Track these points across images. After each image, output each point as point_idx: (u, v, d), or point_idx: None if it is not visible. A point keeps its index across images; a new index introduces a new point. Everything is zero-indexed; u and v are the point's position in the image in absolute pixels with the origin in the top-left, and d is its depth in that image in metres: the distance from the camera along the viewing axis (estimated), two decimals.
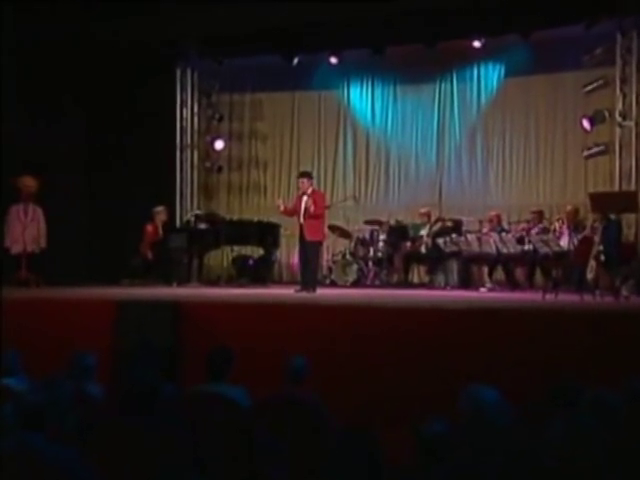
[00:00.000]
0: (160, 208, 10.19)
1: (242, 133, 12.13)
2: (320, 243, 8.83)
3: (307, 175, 8.83)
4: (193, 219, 10.56)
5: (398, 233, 10.29)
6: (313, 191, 8.72)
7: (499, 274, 9.61)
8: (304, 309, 6.37)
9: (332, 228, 10.70)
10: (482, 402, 2.79)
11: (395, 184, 11.41)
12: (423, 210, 10.26)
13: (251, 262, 10.69)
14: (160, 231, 10.18)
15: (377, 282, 10.24)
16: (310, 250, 8.49)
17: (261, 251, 10.64)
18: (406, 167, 11.33)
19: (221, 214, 10.99)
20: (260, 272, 10.51)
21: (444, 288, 9.46)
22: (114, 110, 10.61)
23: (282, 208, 8.70)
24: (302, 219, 8.50)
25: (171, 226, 10.70)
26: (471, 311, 6.02)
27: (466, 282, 9.67)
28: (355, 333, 5.89)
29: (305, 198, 8.54)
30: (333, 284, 10.28)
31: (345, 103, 11.60)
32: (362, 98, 11.55)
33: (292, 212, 8.73)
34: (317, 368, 4.66)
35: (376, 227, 10.52)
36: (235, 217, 11.03)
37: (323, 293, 8.49)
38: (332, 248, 11.00)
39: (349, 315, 6.11)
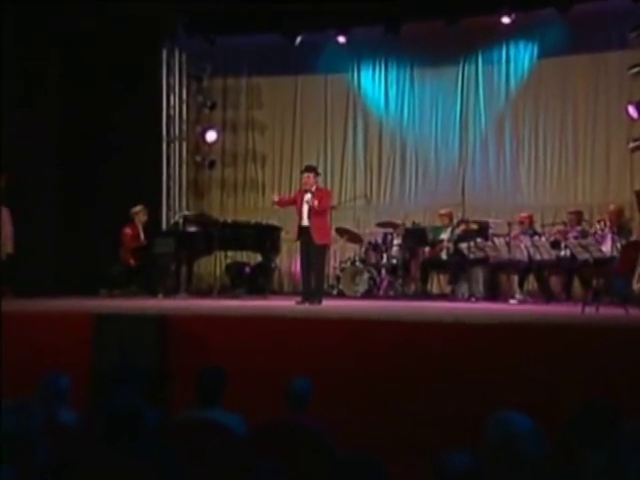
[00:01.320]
0: (138, 208, 10.21)
1: (237, 123, 12.16)
2: (327, 247, 8.85)
3: (313, 170, 8.85)
4: (181, 221, 10.59)
5: (415, 237, 10.30)
6: (318, 189, 8.74)
7: (531, 284, 9.61)
8: (308, 324, 6.37)
9: (340, 231, 10.72)
10: (513, 431, 2.77)
11: (412, 181, 11.43)
12: (444, 211, 10.27)
13: (248, 270, 10.71)
14: (141, 234, 10.21)
15: (391, 293, 10.25)
16: (316, 255, 8.49)
17: (259, 257, 10.67)
18: (424, 162, 11.34)
19: (213, 215, 11.02)
20: (258, 281, 10.53)
21: (468, 300, 9.46)
22: (90, 99, 10.63)
23: (276, 198, 8.72)
24: (306, 219, 8.51)
25: (156, 229, 10.75)
26: (499, 326, 6.01)
27: (493, 293, 9.68)
28: (366, 351, 5.89)
29: (308, 196, 8.56)
30: (341, 295, 10.30)
31: (355, 89, 11.63)
32: (374, 83, 11.58)
33: (288, 203, 8.74)
34: (323, 391, 4.66)
35: (390, 230, 10.53)
36: (229, 219, 11.05)
37: (329, 305, 8.50)
38: (340, 254, 11.02)
39: (359, 330, 6.11)
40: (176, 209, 11.77)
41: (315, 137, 11.79)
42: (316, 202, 8.38)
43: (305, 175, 8.69)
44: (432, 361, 5.69)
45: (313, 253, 8.48)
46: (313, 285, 8.54)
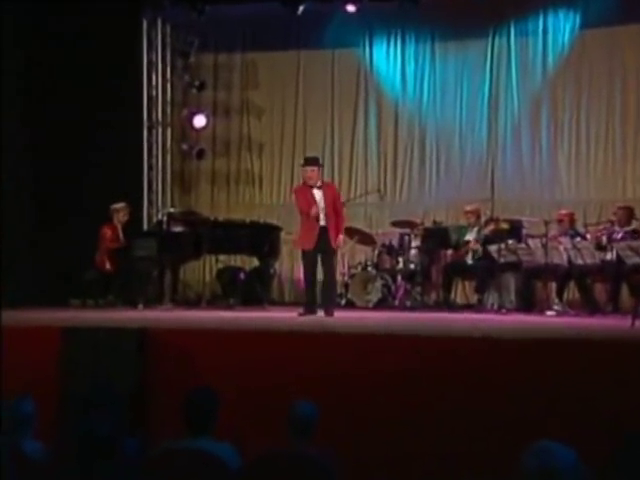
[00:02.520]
0: (120, 205, 10.24)
1: (230, 106, 12.18)
2: (336, 250, 8.89)
3: (316, 162, 8.88)
4: (165, 219, 10.59)
5: (436, 238, 10.29)
6: (324, 183, 8.75)
7: (572, 293, 9.60)
8: (312, 339, 6.37)
9: (349, 232, 10.70)
10: (553, 464, 2.76)
11: (432, 173, 11.43)
12: (470, 207, 10.25)
13: (242, 276, 10.71)
14: (121, 235, 10.24)
15: (408, 303, 10.23)
16: (331, 259, 8.61)
17: (255, 262, 10.68)
18: (447, 150, 11.34)
19: (202, 213, 11.02)
20: (254, 289, 10.53)
21: (498, 311, 9.45)
22: (61, 78, 10.65)
23: (314, 211, 8.58)
24: (323, 218, 8.55)
25: (136, 229, 10.75)
26: (534, 343, 6.00)
27: (527, 303, 9.66)
28: (379, 371, 5.88)
29: (317, 192, 8.61)
30: (350, 305, 10.31)
31: (367, 66, 11.64)
32: (389, 59, 11.59)
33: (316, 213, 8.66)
34: (330, 417, 4.66)
35: (407, 230, 10.53)
36: (221, 217, 11.05)
37: (337, 317, 8.53)
38: (349, 258, 11.03)
39: (371, 347, 6.11)
40: (159, 206, 11.79)
41: (320, 122, 11.80)
42: (337, 201, 8.58)
43: (309, 170, 8.72)
44: (456, 383, 5.68)
45: (328, 257, 8.57)
46: (324, 294, 8.61)
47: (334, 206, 8.62)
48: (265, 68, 11.97)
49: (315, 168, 8.68)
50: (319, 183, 8.65)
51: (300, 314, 8.51)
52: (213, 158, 12.13)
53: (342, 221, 8.78)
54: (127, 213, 10.26)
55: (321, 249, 8.61)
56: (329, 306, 8.51)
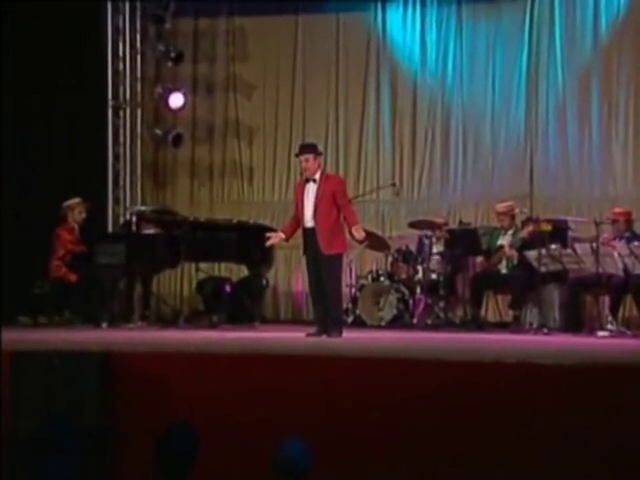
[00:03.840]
0: (74, 201, 10.19)
1: (213, 82, 12.19)
2: (340, 257, 8.82)
3: (311, 150, 8.82)
4: (135, 220, 10.60)
5: (463, 242, 10.30)
6: (326, 176, 8.75)
7: (628, 309, 9.62)
8: (311, 364, 6.37)
9: None
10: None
11: (458, 163, 11.44)
12: (504, 205, 10.24)
13: (228, 289, 10.71)
14: (78, 238, 10.20)
15: (429, 321, 10.24)
16: (327, 270, 8.55)
17: (245, 271, 10.70)
18: (476, 136, 11.34)
19: (180, 212, 11.04)
20: (243, 305, 10.53)
21: (538, 331, 9.41)
22: (7, 47, 10.62)
23: (276, 239, 8.80)
24: (310, 218, 8.57)
25: (99, 231, 10.77)
26: (583, 369, 6.00)
27: (575, 322, 9.64)
28: (392, 404, 5.89)
29: (312, 186, 8.60)
30: (359, 323, 10.32)
31: (378, 34, 11.65)
32: (406, 26, 11.60)
33: (294, 227, 8.77)
34: (329, 458, 4.66)
35: (428, 233, 10.52)
36: (203, 216, 11.08)
37: (343, 337, 8.51)
38: (358, 266, 11.04)
39: (383, 374, 6.11)
40: (127, 203, 11.80)
41: (323, 103, 11.81)
42: (332, 198, 8.47)
43: (302, 159, 8.69)
44: (487, 419, 5.69)
45: (323, 267, 8.53)
46: (327, 311, 8.60)
47: (333, 203, 8.55)
48: (256, 36, 11.98)
49: (310, 156, 8.63)
50: (317, 175, 8.63)
51: (309, 334, 8.50)
52: (193, 145, 12.14)
53: (351, 214, 8.68)
54: (84, 210, 10.19)
55: (310, 255, 8.62)
56: (329, 325, 8.50)
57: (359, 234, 8.68)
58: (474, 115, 11.32)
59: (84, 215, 10.20)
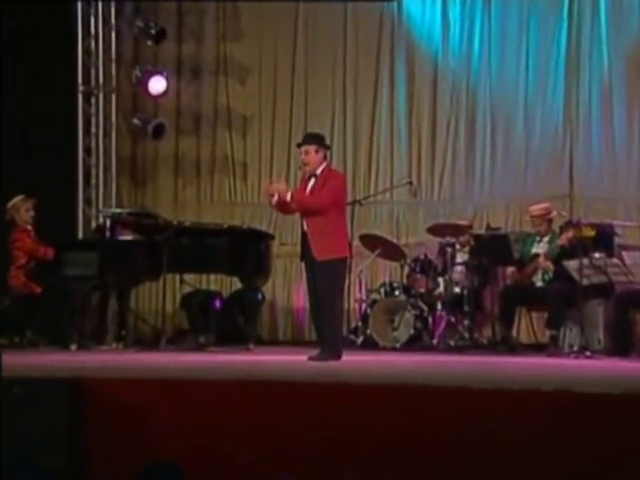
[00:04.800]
0: (18, 199, 10.14)
1: (201, 63, 12.20)
2: (339, 265, 8.74)
3: (313, 140, 8.82)
4: (109, 224, 10.61)
5: (491, 250, 10.29)
6: (328, 170, 8.74)
7: None
8: (313, 393, 6.36)
9: (367, 240, 10.74)
10: None
11: (485, 159, 11.48)
12: (539, 208, 10.26)
13: (218, 304, 10.72)
14: (37, 240, 10.14)
15: (451, 342, 10.27)
16: (320, 278, 8.57)
17: (237, 284, 10.75)
18: (507, 127, 11.38)
19: (162, 214, 11.02)
20: (235, 323, 10.54)
21: (579, 354, 9.41)
22: None
23: (275, 198, 8.73)
24: (305, 223, 8.62)
25: (67, 237, 10.78)
26: (632, 399, 5.98)
27: (622, 343, 9.63)
28: (409, 439, 5.87)
29: (312, 183, 8.61)
30: (370, 345, 10.36)
31: (393, 8, 11.70)
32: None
33: (288, 206, 8.79)
34: None
35: (450, 239, 10.53)
36: (189, 220, 11.08)
37: (350, 361, 8.51)
38: (368, 277, 11.06)
39: (398, 404, 6.08)
40: (100, 204, 11.81)
41: (328, 88, 11.84)
42: (325, 196, 8.47)
43: (302, 149, 8.70)
44: (520, 454, 5.66)
45: (317, 276, 8.58)
46: (320, 329, 8.65)
47: (323, 201, 8.57)
48: (250, 11, 12.01)
49: (311, 148, 8.65)
50: (320, 169, 8.64)
51: (312, 358, 8.50)
52: (177, 137, 12.17)
53: (312, 198, 8.59)
54: (31, 207, 10.17)
55: (307, 263, 8.69)
56: (324, 345, 8.52)
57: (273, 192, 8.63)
58: (504, 102, 11.35)
59: (32, 213, 10.18)
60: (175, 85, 12.03)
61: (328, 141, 9.41)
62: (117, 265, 10.06)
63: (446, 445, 5.83)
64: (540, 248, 10.07)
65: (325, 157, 8.76)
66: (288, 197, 8.55)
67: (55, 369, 7.43)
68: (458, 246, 10.48)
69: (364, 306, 10.70)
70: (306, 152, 8.66)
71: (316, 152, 8.66)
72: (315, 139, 8.83)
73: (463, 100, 11.48)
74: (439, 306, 10.44)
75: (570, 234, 9.84)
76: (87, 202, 11.84)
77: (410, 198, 11.32)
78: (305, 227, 8.62)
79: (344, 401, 6.21)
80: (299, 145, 8.81)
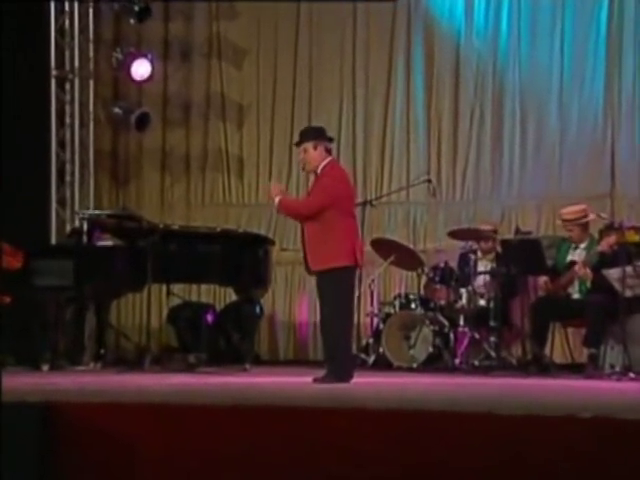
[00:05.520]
0: None
1: (191, 45, 12.20)
2: (342, 273, 8.70)
3: (309, 136, 8.80)
4: (86, 227, 10.61)
5: (521, 257, 10.25)
6: (328, 167, 8.73)
7: None
8: (318, 420, 6.35)
9: (380, 246, 10.75)
10: None
11: (514, 154, 11.49)
12: (575, 209, 10.22)
13: (210, 319, 10.72)
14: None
15: (475, 362, 10.28)
16: (318, 290, 8.67)
17: (232, 295, 10.80)
18: (538, 117, 11.38)
19: (146, 216, 11.01)
20: (229, 340, 10.55)
21: (622, 376, 9.43)
22: None
23: (275, 192, 8.77)
24: (301, 228, 8.73)
25: (38, 243, 10.83)
26: None
27: None
28: (429, 469, 5.87)
29: (311, 183, 8.80)
30: (383, 364, 10.37)
31: None
32: None
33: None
34: None
35: (473, 244, 10.54)
36: (177, 223, 11.09)
37: (361, 383, 8.52)
38: (381, 288, 11.06)
39: (416, 432, 6.08)
40: (75, 205, 11.80)
41: (335, 75, 11.85)
42: (321, 196, 8.55)
43: (300, 148, 8.75)
44: None
45: (317, 288, 8.69)
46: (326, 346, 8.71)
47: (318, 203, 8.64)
48: None
49: (308, 146, 8.68)
50: (320, 167, 8.66)
51: (316, 380, 8.51)
52: (163, 129, 12.18)
53: (298, 203, 8.86)
54: None
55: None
56: (331, 366, 8.52)
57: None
58: (536, 88, 11.37)
59: None
60: (161, 69, 12.05)
61: (335, 134, 9.49)
62: (95, 274, 10.06)
63: (468, 478, 5.82)
64: (577, 255, 10.06)
65: (328, 151, 8.76)
66: (276, 201, 8.60)
67: (25, 392, 7.41)
68: (482, 253, 10.48)
69: (376, 321, 10.70)
70: (304, 150, 8.70)
71: (314, 148, 8.68)
72: (311, 134, 8.84)
73: (489, 86, 11.47)
74: (461, 321, 10.43)
75: (611, 239, 9.83)
76: (61, 202, 11.84)
77: (428, 198, 11.32)
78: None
79: (353, 429, 6.20)
80: (297, 145, 8.84)
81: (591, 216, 10.16)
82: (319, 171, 8.66)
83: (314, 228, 8.58)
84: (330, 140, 8.96)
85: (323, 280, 8.60)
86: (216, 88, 12.14)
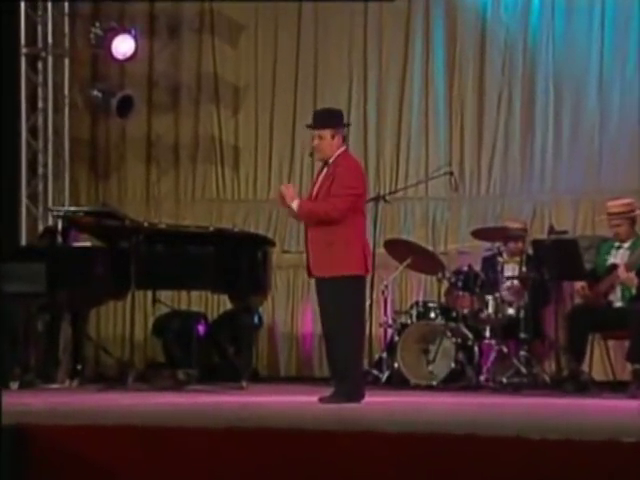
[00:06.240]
0: None
1: (180, 19, 12.25)
2: (352, 282, 8.76)
3: (332, 123, 8.85)
4: (61, 226, 10.62)
5: (555, 260, 10.26)
6: (340, 157, 8.76)
7: None
8: (324, 444, 6.36)
9: (395, 247, 10.77)
10: None
11: (547, 145, 11.52)
12: (618, 204, 10.27)
13: (201, 330, 10.74)
14: None
15: (503, 379, 10.29)
16: (321, 299, 8.71)
17: (227, 304, 10.86)
18: (575, 102, 11.40)
19: (130, 214, 11.03)
20: (224, 354, 10.57)
21: None
22: None
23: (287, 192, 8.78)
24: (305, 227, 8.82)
25: (7, 243, 10.83)
26: None
27: None
28: None
29: (324, 173, 8.75)
30: (399, 382, 10.42)
31: None
32: None
33: None
34: None
35: (500, 245, 10.56)
36: (164, 221, 11.10)
37: (374, 403, 8.55)
38: (395, 296, 11.06)
39: (436, 457, 6.11)
40: (48, 200, 11.82)
41: (344, 56, 11.89)
42: (335, 192, 8.54)
43: (316, 134, 8.76)
44: None
45: (320, 296, 8.73)
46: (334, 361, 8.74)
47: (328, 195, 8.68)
48: None
49: (326, 133, 8.71)
50: (334, 157, 8.68)
51: (322, 400, 8.54)
52: (149, 115, 12.20)
53: (323, 206, 8.68)
54: None
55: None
56: (339, 384, 8.55)
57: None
58: (572, 69, 11.38)
59: None
60: (146, 47, 12.04)
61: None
62: (71, 279, 10.09)
63: None
64: (619, 257, 10.07)
65: (343, 140, 8.77)
66: (295, 206, 8.59)
67: None
68: (510, 255, 10.47)
69: (390, 332, 10.72)
70: (320, 137, 8.71)
71: (332, 137, 8.72)
72: (332, 120, 8.87)
73: (519, 67, 11.48)
74: (487, 332, 10.44)
75: None
76: (32, 198, 11.86)
77: (450, 193, 11.32)
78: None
79: (364, 455, 6.23)
80: (311, 127, 8.80)
81: (638, 212, 10.17)
82: (331, 160, 8.67)
83: (319, 226, 8.61)
84: (347, 126, 9.00)
85: (326, 288, 8.65)
86: (208, 68, 12.16)
